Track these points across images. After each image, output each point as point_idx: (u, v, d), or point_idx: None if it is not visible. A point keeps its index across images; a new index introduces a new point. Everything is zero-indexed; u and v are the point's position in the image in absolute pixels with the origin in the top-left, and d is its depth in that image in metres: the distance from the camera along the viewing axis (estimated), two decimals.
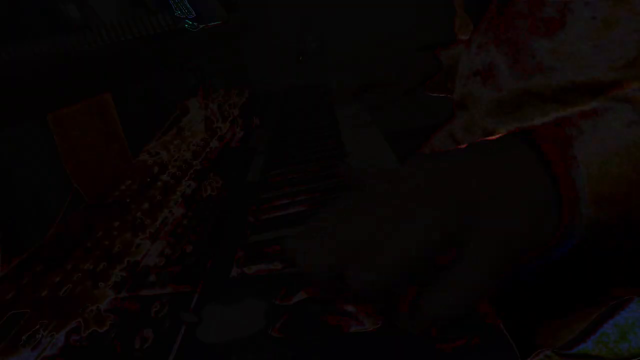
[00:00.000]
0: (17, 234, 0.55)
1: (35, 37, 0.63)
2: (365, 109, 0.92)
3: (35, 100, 0.56)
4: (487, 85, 0.59)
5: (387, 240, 0.31)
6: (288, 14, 1.53)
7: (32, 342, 0.36)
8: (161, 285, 0.41)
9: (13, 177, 0.58)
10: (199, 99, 0.97)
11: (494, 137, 0.38)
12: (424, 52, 0.88)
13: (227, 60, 1.41)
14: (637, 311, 0.49)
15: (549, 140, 0.37)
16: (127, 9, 0.75)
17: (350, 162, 0.73)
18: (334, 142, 0.84)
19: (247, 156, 0.73)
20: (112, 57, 0.72)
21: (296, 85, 1.27)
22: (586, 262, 0.41)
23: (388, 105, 0.88)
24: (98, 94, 0.70)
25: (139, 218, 0.53)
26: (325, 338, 0.33)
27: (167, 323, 0.36)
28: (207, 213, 0.53)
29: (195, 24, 0.74)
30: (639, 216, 0.34)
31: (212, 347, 0.33)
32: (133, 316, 0.37)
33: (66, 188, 0.60)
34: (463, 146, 0.38)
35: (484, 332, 0.32)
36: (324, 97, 1.08)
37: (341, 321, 0.33)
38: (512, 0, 0.60)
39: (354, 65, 1.45)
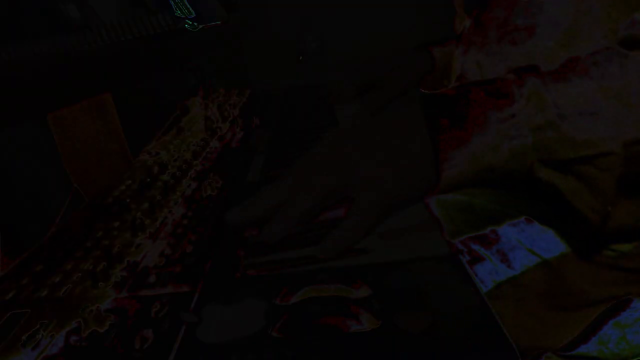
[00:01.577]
0: (17, 234, 0.55)
1: (35, 37, 0.63)
2: (365, 109, 0.91)
3: (35, 100, 0.56)
4: None
5: (293, 199, 0.43)
6: (288, 14, 1.52)
7: (32, 342, 0.36)
8: (161, 285, 0.41)
9: (13, 177, 0.58)
10: (199, 99, 0.97)
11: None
12: (420, 51, 0.88)
13: (227, 60, 1.41)
14: (638, 311, 0.49)
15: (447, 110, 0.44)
16: (127, 9, 0.75)
17: None
18: None
19: (247, 156, 0.73)
20: (112, 57, 0.72)
21: (296, 85, 1.26)
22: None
23: (388, 104, 0.88)
24: (98, 94, 0.70)
25: (139, 218, 0.53)
26: (325, 338, 0.33)
27: (167, 323, 0.36)
28: (207, 213, 0.53)
29: (195, 24, 0.74)
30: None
31: (212, 347, 0.33)
32: (133, 316, 0.37)
33: (66, 188, 0.60)
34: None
35: (484, 332, 0.31)
36: (324, 97, 1.08)
37: (341, 321, 0.33)
38: (489, 7, 0.61)
39: (354, 65, 1.45)
